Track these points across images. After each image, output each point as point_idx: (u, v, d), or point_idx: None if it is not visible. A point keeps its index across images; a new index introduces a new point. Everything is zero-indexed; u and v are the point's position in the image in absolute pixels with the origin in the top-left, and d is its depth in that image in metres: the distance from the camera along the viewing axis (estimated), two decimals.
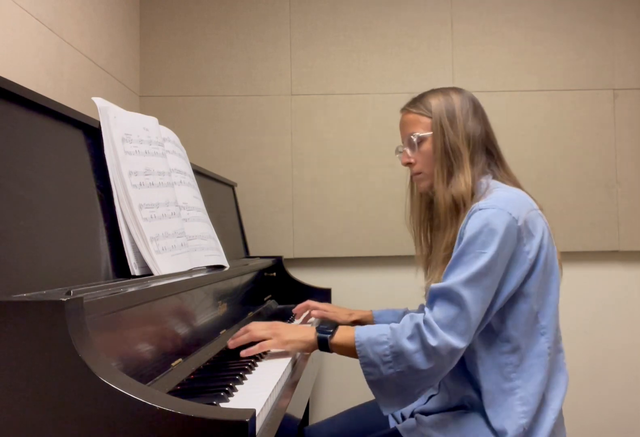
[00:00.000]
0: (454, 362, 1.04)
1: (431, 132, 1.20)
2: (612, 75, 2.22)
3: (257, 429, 0.74)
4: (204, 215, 1.39)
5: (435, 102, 1.20)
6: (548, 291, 1.12)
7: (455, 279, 1.04)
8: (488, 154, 1.22)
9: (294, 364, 1.15)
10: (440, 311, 1.03)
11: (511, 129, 2.18)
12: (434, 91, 1.24)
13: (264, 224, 2.20)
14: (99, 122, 1.05)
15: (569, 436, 1.17)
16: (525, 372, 1.09)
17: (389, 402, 1.07)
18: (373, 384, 1.06)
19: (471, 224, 1.07)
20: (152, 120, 1.22)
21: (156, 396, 0.64)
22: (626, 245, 2.20)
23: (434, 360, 1.01)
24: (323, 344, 1.11)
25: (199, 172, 1.58)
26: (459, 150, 1.17)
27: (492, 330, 1.10)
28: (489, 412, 1.09)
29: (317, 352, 1.19)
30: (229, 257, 1.51)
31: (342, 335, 1.11)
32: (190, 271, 1.17)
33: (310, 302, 1.51)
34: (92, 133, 1.04)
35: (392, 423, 1.30)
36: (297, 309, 1.53)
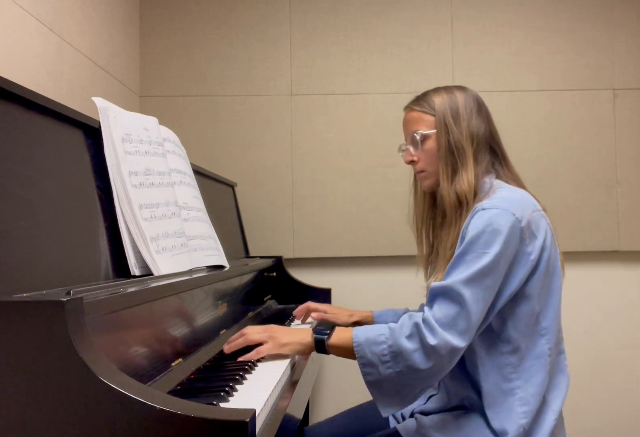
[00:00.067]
0: (453, 362, 1.03)
1: (434, 130, 1.19)
2: (612, 75, 2.22)
3: (257, 429, 0.74)
4: (204, 215, 1.39)
5: (439, 100, 1.20)
6: (550, 292, 1.12)
7: (456, 277, 1.03)
8: (492, 152, 1.21)
9: (294, 364, 1.15)
10: (440, 310, 1.03)
11: (511, 129, 2.18)
12: (437, 89, 1.24)
13: (264, 224, 2.20)
14: (99, 122, 1.05)
15: None
16: (525, 373, 1.08)
17: (387, 403, 1.06)
18: (371, 384, 1.05)
19: (474, 224, 1.07)
20: (152, 120, 1.22)
21: (156, 396, 0.64)
22: (626, 245, 2.20)
23: (433, 359, 1.00)
24: (320, 346, 1.10)
25: (199, 172, 1.58)
26: (462, 149, 1.16)
27: (493, 330, 1.10)
28: (488, 413, 1.09)
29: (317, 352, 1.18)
30: (229, 257, 1.51)
31: (339, 336, 1.10)
32: (190, 271, 1.17)
33: (310, 304, 1.50)
34: (92, 133, 1.04)
35: (392, 423, 1.30)
36: (297, 311, 1.53)
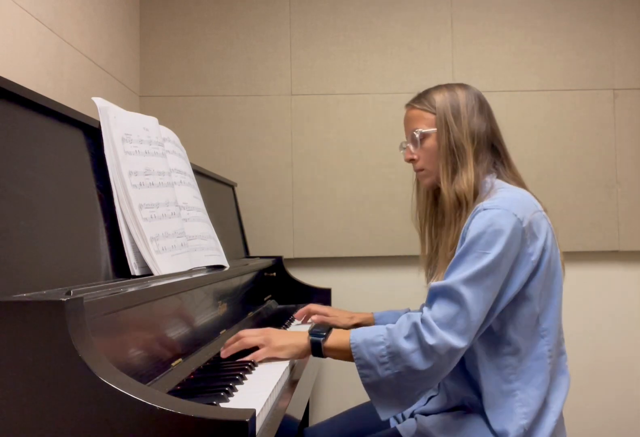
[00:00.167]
0: (453, 362, 1.02)
1: (435, 129, 1.19)
2: (612, 75, 2.22)
3: (257, 429, 0.74)
4: (204, 215, 1.39)
5: (439, 98, 1.19)
6: (550, 293, 1.11)
7: (456, 277, 1.02)
8: (494, 151, 1.20)
9: (294, 364, 1.15)
10: (440, 310, 1.02)
11: (511, 129, 2.17)
12: (439, 87, 1.23)
13: (264, 224, 2.20)
14: (99, 122, 1.05)
15: None
16: (525, 374, 1.08)
17: (386, 406, 1.04)
18: (370, 387, 1.03)
19: (475, 224, 1.06)
20: (152, 120, 1.21)
21: (156, 396, 0.64)
22: (626, 245, 2.20)
23: (432, 360, 0.99)
24: (316, 348, 1.08)
25: (199, 172, 1.58)
26: (462, 147, 1.15)
27: (493, 332, 1.10)
28: (489, 414, 1.08)
29: None
30: (229, 257, 1.51)
31: (336, 338, 1.08)
32: (190, 271, 1.17)
33: (311, 307, 1.49)
34: (92, 133, 1.04)
35: (393, 423, 1.30)
36: (298, 314, 1.52)
